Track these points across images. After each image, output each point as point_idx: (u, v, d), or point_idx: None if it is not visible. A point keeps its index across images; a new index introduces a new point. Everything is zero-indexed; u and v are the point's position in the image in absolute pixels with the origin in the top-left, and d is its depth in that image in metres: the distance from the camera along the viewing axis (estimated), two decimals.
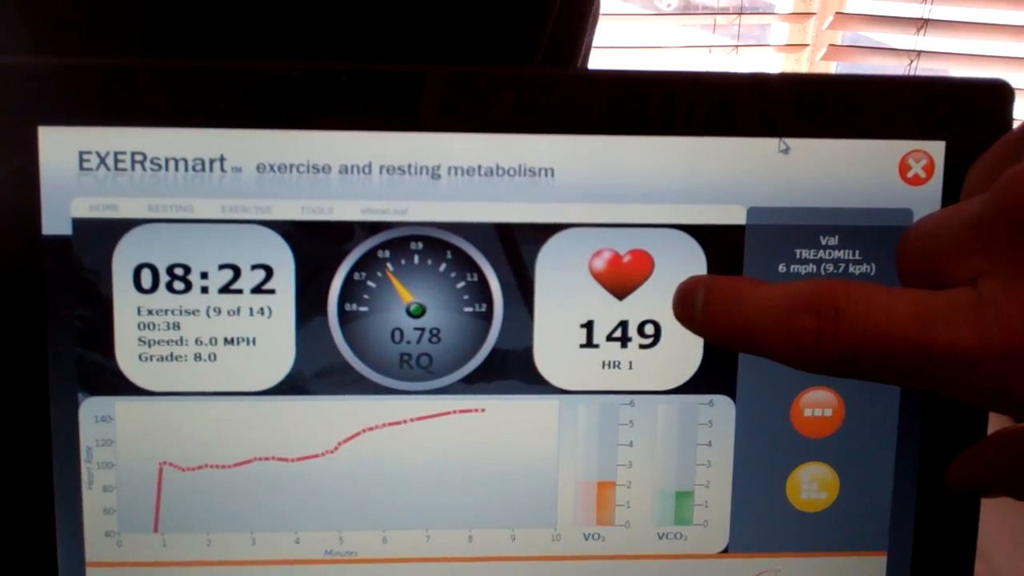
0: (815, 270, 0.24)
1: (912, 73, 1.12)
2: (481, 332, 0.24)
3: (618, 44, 1.11)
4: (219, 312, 0.23)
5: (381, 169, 0.23)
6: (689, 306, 0.17)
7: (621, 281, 0.24)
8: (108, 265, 0.23)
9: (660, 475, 0.25)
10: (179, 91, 0.22)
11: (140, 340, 0.23)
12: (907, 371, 0.15)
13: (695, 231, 0.24)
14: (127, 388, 0.23)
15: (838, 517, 0.25)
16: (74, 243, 0.23)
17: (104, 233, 0.23)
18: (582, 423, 0.25)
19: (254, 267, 0.23)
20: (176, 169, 0.23)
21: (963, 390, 0.15)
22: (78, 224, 0.23)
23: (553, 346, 0.24)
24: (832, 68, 1.16)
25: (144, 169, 0.23)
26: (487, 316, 0.24)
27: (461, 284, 0.24)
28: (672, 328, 0.24)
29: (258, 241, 0.23)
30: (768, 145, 0.24)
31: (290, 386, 0.24)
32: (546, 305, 0.24)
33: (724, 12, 1.11)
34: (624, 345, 0.24)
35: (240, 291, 0.23)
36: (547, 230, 0.24)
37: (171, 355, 0.23)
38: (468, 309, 0.24)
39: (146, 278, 0.23)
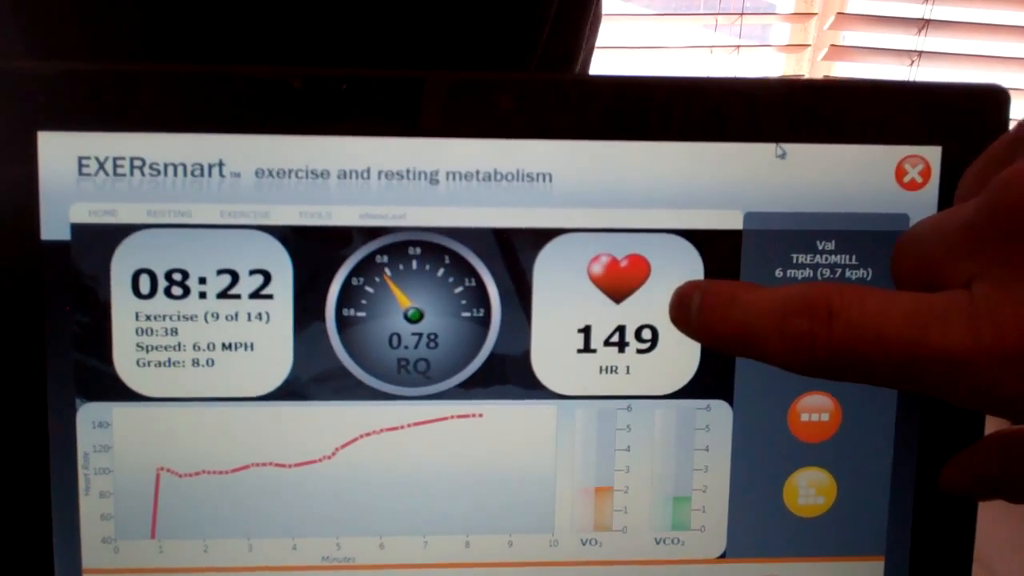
0: (812, 275, 0.24)
1: (913, 74, 1.12)
2: (479, 337, 0.24)
3: (618, 44, 1.11)
4: (217, 317, 0.23)
5: (379, 174, 0.23)
6: (685, 310, 0.18)
7: (618, 286, 0.24)
8: (107, 270, 0.23)
9: (658, 480, 0.25)
10: (178, 96, 0.22)
11: (138, 345, 0.23)
12: (901, 373, 0.15)
13: (692, 236, 0.24)
14: (125, 394, 0.23)
15: (835, 522, 0.25)
16: (73, 248, 0.23)
17: (103, 238, 0.23)
18: (580, 428, 0.25)
19: (252, 272, 0.23)
20: (175, 174, 0.23)
21: (956, 393, 0.15)
22: (77, 229, 0.23)
23: (551, 351, 0.24)
24: (833, 68, 1.16)
25: (143, 174, 0.23)
26: (485, 321, 0.24)
27: (459, 289, 0.24)
28: (669, 333, 0.24)
29: (256, 246, 0.23)
30: (765, 150, 0.24)
31: (288, 392, 0.24)
32: (544, 310, 0.24)
33: (725, 12, 1.11)
34: (622, 350, 0.24)
35: (238, 296, 0.23)
36: (545, 235, 0.24)
37: (169, 360, 0.23)
38: (466, 314, 0.24)
39: (144, 283, 0.23)
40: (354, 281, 0.24)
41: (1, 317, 0.23)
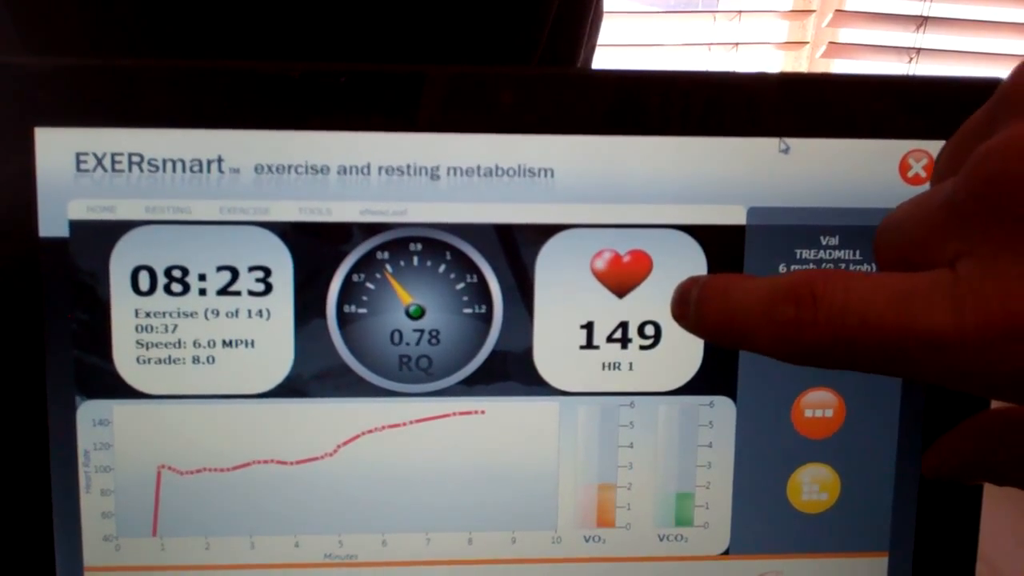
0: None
1: (912, 71, 1.12)
2: (481, 333, 0.24)
3: (618, 42, 1.11)
4: (217, 314, 0.23)
5: (380, 170, 0.23)
6: (684, 304, 0.17)
7: (621, 281, 0.24)
8: (105, 267, 0.23)
9: (661, 477, 0.25)
10: (176, 92, 0.22)
11: (138, 343, 0.23)
12: (888, 356, 0.15)
13: (695, 231, 0.24)
14: (125, 391, 0.23)
15: (839, 518, 0.25)
16: (71, 245, 0.23)
17: (101, 235, 0.23)
18: (582, 425, 0.25)
19: (252, 269, 0.23)
20: (174, 170, 0.23)
21: (945, 374, 0.15)
22: (75, 226, 0.23)
23: (553, 347, 0.24)
24: (832, 66, 1.16)
25: (141, 170, 0.22)
26: (487, 317, 0.24)
27: (460, 285, 0.24)
28: (672, 329, 0.24)
29: (256, 243, 0.23)
30: (768, 145, 0.24)
31: (289, 388, 0.24)
32: (546, 306, 0.24)
33: (724, 10, 1.10)
34: (624, 346, 0.24)
35: (238, 293, 0.23)
36: (547, 231, 0.24)
37: (169, 358, 0.23)
38: (468, 310, 0.24)
39: (144, 280, 0.23)
40: (355, 277, 0.23)
41: (0, 316, 0.23)
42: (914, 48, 1.11)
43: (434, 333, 0.24)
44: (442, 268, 0.24)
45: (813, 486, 0.25)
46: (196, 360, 0.23)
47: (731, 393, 0.25)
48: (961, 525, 0.25)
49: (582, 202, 0.23)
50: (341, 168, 0.23)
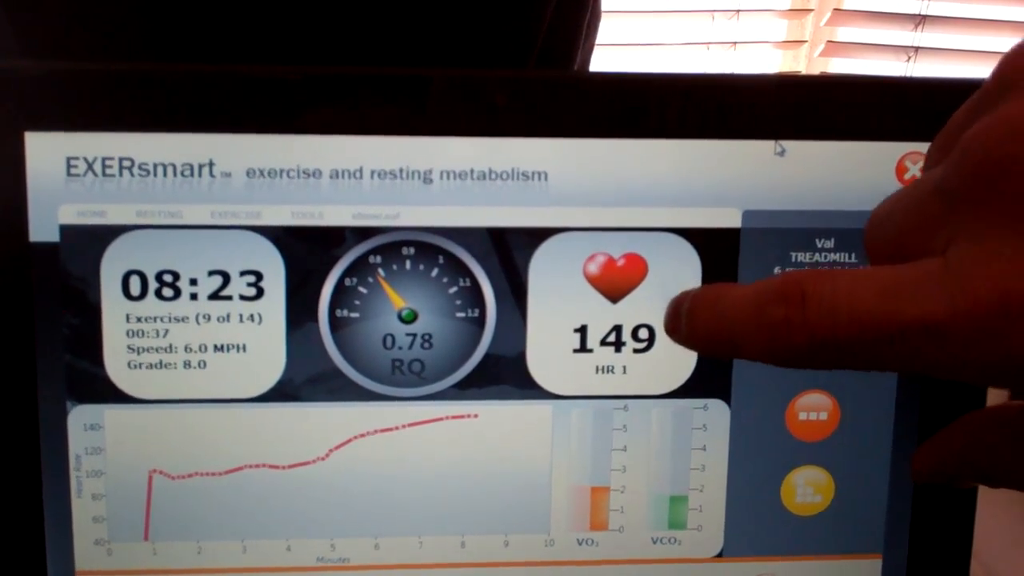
0: None
1: (910, 70, 1.11)
2: (474, 337, 0.24)
3: (616, 41, 1.11)
4: (209, 319, 0.23)
5: (372, 173, 0.23)
6: (676, 318, 0.17)
7: (615, 285, 0.24)
8: (96, 272, 0.23)
9: (654, 479, 0.25)
10: (167, 96, 0.22)
11: (129, 348, 0.23)
12: (882, 351, 0.15)
13: (690, 235, 0.24)
14: (116, 396, 0.23)
15: (833, 520, 0.25)
16: (62, 250, 0.22)
17: (92, 240, 0.23)
18: (576, 428, 0.24)
19: (244, 273, 0.23)
20: (165, 175, 0.22)
21: (938, 364, 0.14)
22: (66, 231, 0.22)
23: (546, 351, 0.24)
24: (830, 64, 1.16)
25: (132, 175, 0.22)
26: (480, 321, 0.24)
27: (453, 289, 0.24)
28: None
29: (248, 247, 0.23)
30: (764, 147, 0.23)
31: (281, 393, 0.24)
32: (539, 310, 0.24)
33: (723, 9, 1.10)
34: (618, 349, 0.24)
35: (230, 297, 0.23)
36: (540, 234, 0.23)
37: (160, 362, 0.23)
38: (460, 314, 0.24)
39: (135, 285, 0.23)
40: (347, 282, 0.23)
41: None
42: (912, 47, 1.11)
43: (427, 337, 0.24)
44: (435, 272, 0.23)
45: (807, 488, 0.25)
46: (187, 365, 0.23)
47: (725, 396, 0.25)
48: (955, 526, 0.25)
49: (576, 205, 0.23)
50: (333, 172, 0.23)
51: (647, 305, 0.24)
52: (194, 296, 0.23)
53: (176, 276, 0.23)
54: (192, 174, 0.22)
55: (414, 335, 0.24)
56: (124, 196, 0.22)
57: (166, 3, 0.30)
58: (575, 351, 0.24)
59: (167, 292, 0.23)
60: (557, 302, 0.24)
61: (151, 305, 0.23)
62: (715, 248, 0.24)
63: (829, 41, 1.13)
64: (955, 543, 0.25)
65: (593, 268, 0.24)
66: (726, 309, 0.16)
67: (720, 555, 0.25)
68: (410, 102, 0.23)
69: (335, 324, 0.23)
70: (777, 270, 0.24)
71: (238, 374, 0.23)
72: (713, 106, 0.23)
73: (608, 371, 0.24)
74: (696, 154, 0.23)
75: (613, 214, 0.24)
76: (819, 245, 0.24)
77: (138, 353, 0.23)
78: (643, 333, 0.24)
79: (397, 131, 0.23)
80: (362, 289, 0.23)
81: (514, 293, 0.24)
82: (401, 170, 0.23)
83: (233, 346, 0.23)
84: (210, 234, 0.23)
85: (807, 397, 0.25)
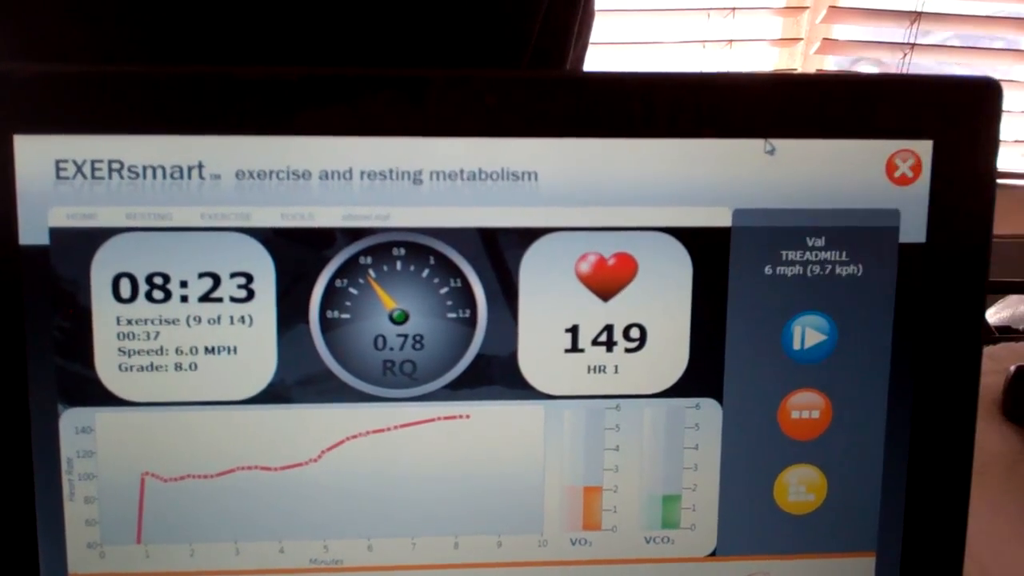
0: (801, 272, 0.24)
1: (906, 67, 1.11)
2: (465, 338, 0.24)
3: (612, 39, 1.11)
4: (199, 321, 0.23)
5: (362, 174, 0.23)
6: None
7: (606, 284, 0.24)
8: (86, 275, 0.23)
9: (647, 479, 0.25)
10: (156, 98, 0.22)
11: (120, 350, 0.23)
12: None
13: (680, 234, 0.24)
14: (107, 399, 0.23)
15: (826, 519, 0.25)
16: (52, 253, 0.22)
17: (82, 242, 0.22)
18: (568, 428, 0.24)
19: (234, 275, 0.23)
20: (154, 177, 0.22)
21: None
22: (55, 234, 0.22)
23: (538, 351, 0.24)
24: (826, 62, 1.16)
25: (121, 177, 0.22)
26: (471, 322, 0.24)
27: (444, 290, 0.24)
28: (658, 331, 0.24)
29: (238, 249, 0.23)
30: (753, 146, 0.23)
31: (272, 395, 0.24)
32: (530, 310, 0.24)
33: (718, 8, 1.10)
34: (610, 349, 0.24)
35: (220, 299, 0.23)
36: (531, 234, 0.23)
37: (151, 365, 0.23)
38: (452, 315, 0.24)
39: (125, 287, 0.23)
40: (338, 283, 0.23)
41: None
42: (908, 44, 1.11)
43: (418, 338, 0.24)
44: (425, 273, 0.23)
45: (800, 487, 0.25)
46: (178, 367, 0.23)
47: (717, 395, 0.25)
48: (949, 524, 0.25)
49: (566, 205, 0.23)
50: (323, 173, 0.23)
51: (638, 304, 0.24)
52: (184, 298, 0.23)
53: (166, 278, 0.23)
54: (181, 176, 0.22)
55: (405, 336, 0.24)
56: (114, 198, 0.22)
57: (156, 5, 0.30)
58: (567, 351, 0.24)
59: (157, 294, 0.23)
60: (548, 302, 0.24)
61: (141, 307, 0.23)
62: (706, 247, 0.24)
63: (825, 38, 1.13)
64: (948, 540, 0.25)
65: (584, 267, 0.24)
66: None
67: (713, 554, 0.25)
68: (400, 102, 0.23)
69: (326, 325, 0.23)
70: (768, 269, 0.24)
71: (229, 376, 0.23)
72: (703, 105, 0.23)
73: (600, 371, 0.24)
74: (686, 153, 0.23)
75: (603, 213, 0.24)
76: (810, 243, 0.24)
77: (129, 355, 0.23)
78: (634, 332, 0.24)
79: (387, 132, 0.23)
80: (353, 290, 0.23)
81: (505, 293, 0.24)
82: (391, 171, 0.23)
83: (224, 348, 0.23)
84: (200, 236, 0.23)
85: (799, 396, 0.25)
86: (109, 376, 0.23)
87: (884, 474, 0.25)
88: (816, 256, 0.24)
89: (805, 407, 0.25)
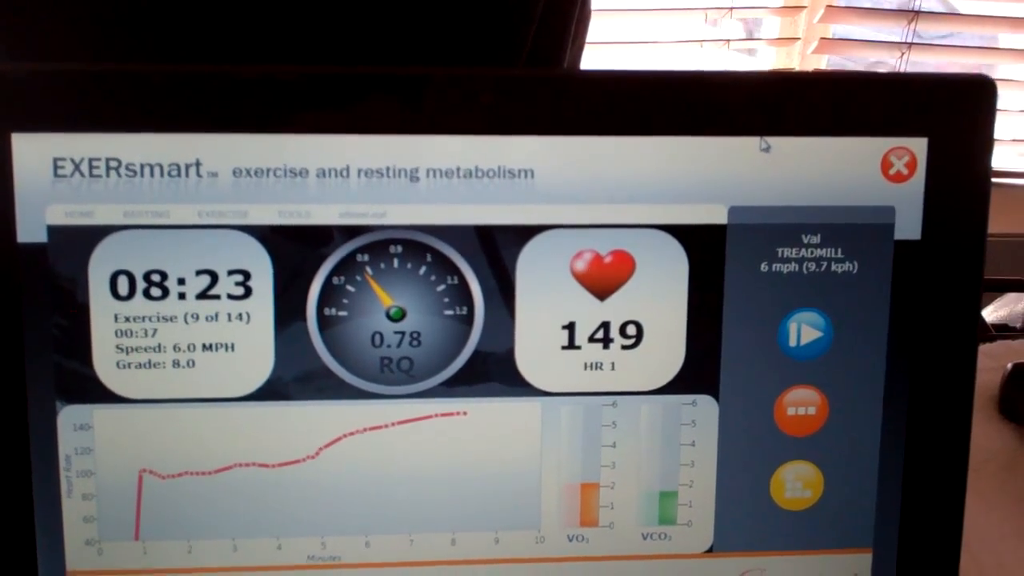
0: (797, 269, 0.24)
1: (903, 65, 1.12)
2: (462, 335, 0.24)
3: (609, 39, 1.11)
4: (197, 318, 0.23)
5: (359, 172, 0.23)
6: None
7: (602, 282, 0.24)
8: (84, 272, 0.23)
9: (644, 476, 0.25)
10: (153, 96, 0.22)
11: (118, 347, 0.23)
12: None
13: (676, 231, 0.24)
14: (105, 396, 0.23)
15: (823, 515, 0.25)
16: (49, 250, 0.23)
17: (80, 240, 0.23)
18: (565, 425, 0.25)
19: (231, 272, 0.23)
20: (151, 175, 0.22)
21: None
22: (53, 231, 0.22)
23: (535, 348, 0.24)
24: (823, 61, 1.16)
25: (119, 175, 0.22)
26: (468, 319, 0.24)
27: (441, 287, 0.24)
28: (654, 329, 0.24)
29: (235, 246, 0.23)
30: (749, 144, 0.24)
31: (270, 392, 0.24)
32: (527, 307, 0.24)
33: (716, 8, 1.10)
34: (606, 346, 0.24)
35: (218, 297, 0.23)
36: (527, 232, 0.24)
37: (149, 362, 0.23)
38: (449, 312, 0.24)
39: (123, 285, 0.23)
40: (335, 280, 0.23)
41: None
42: (906, 43, 1.11)
43: (415, 335, 0.24)
44: (422, 270, 0.24)
45: (796, 483, 0.25)
46: (176, 364, 0.23)
47: (713, 392, 0.25)
48: (945, 519, 0.25)
49: (563, 203, 0.23)
50: (320, 171, 0.23)
51: (635, 301, 0.24)
52: (182, 296, 0.23)
53: (164, 276, 0.23)
54: (179, 174, 0.23)
55: (402, 333, 0.24)
56: (111, 196, 0.22)
57: (154, 4, 0.30)
58: (563, 348, 0.24)
59: (155, 292, 0.23)
60: (545, 299, 0.24)
61: (139, 305, 0.23)
62: (702, 244, 0.24)
63: (822, 38, 1.13)
64: (945, 536, 0.26)
65: (580, 265, 0.24)
66: None
67: (710, 550, 0.25)
68: (397, 101, 0.23)
69: (323, 323, 0.23)
70: (764, 266, 0.24)
71: (227, 373, 0.23)
72: (698, 103, 0.23)
73: (596, 368, 0.24)
74: (682, 151, 0.23)
75: (600, 211, 0.24)
76: (805, 241, 0.24)
77: (127, 353, 0.23)
78: (631, 330, 0.24)
79: (384, 130, 0.23)
80: (350, 288, 0.23)
81: (502, 291, 0.24)
82: (388, 169, 0.23)
83: (221, 345, 0.23)
84: (197, 234, 0.23)
85: (795, 392, 0.25)
86: (107, 373, 0.23)
87: (880, 470, 0.25)
88: (812, 253, 0.24)
89: (801, 404, 0.25)
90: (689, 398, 0.25)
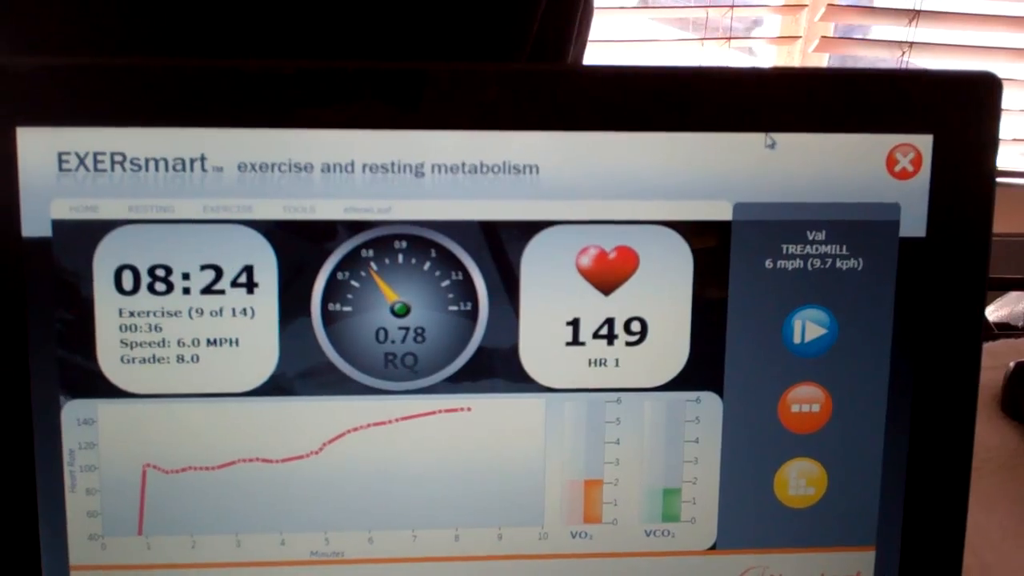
0: (802, 265, 0.24)
1: (904, 64, 1.12)
2: (466, 331, 0.24)
3: (610, 37, 1.11)
4: (201, 313, 0.23)
5: (364, 167, 0.23)
6: None
7: (607, 278, 0.24)
8: (89, 267, 0.23)
9: (647, 472, 0.25)
10: (159, 90, 0.22)
11: (122, 342, 0.23)
12: None
13: (681, 227, 0.24)
14: (109, 390, 0.23)
15: (826, 512, 0.25)
16: (54, 245, 0.22)
17: (84, 234, 0.23)
18: (569, 421, 0.25)
19: (236, 268, 0.23)
20: (156, 169, 0.22)
21: None
22: (58, 226, 0.22)
23: (539, 344, 0.24)
24: (824, 60, 1.16)
25: (124, 169, 0.22)
26: (472, 315, 0.24)
27: (446, 283, 0.24)
28: (658, 325, 0.24)
29: (240, 241, 0.23)
30: (754, 140, 0.24)
31: (274, 387, 0.24)
32: (532, 303, 0.24)
33: (716, 5, 1.10)
34: (610, 342, 0.24)
35: (222, 292, 0.23)
36: (532, 227, 0.23)
37: (153, 357, 0.23)
38: (453, 308, 0.24)
39: (127, 279, 0.23)
40: (339, 275, 0.23)
41: None
42: (907, 42, 1.11)
43: (419, 331, 0.24)
44: (427, 265, 0.24)
45: (800, 481, 0.25)
46: (180, 359, 0.23)
47: (718, 389, 0.25)
48: (948, 517, 0.25)
49: (567, 199, 0.23)
50: (325, 166, 0.23)
51: (639, 298, 0.24)
52: (187, 290, 0.23)
53: (168, 270, 0.23)
54: (184, 168, 0.22)
55: (407, 329, 0.24)
56: (116, 191, 0.22)
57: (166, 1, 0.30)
58: (567, 344, 0.24)
59: (160, 286, 0.23)
60: (549, 295, 0.24)
61: (144, 299, 0.23)
62: (706, 241, 0.24)
63: (823, 36, 1.13)
64: (948, 534, 0.26)
65: (585, 261, 0.24)
66: None
67: (713, 547, 0.25)
68: (402, 96, 0.23)
69: (328, 318, 0.23)
70: (768, 263, 0.24)
71: (231, 368, 0.23)
72: (703, 99, 0.23)
73: (601, 364, 0.24)
74: (687, 147, 0.23)
75: (604, 207, 0.24)
76: (810, 237, 0.24)
77: (131, 347, 0.23)
78: (635, 326, 0.24)
79: (389, 125, 0.23)
80: (354, 283, 0.23)
81: (506, 286, 0.24)
82: (393, 164, 0.23)
83: (226, 340, 0.23)
84: (202, 228, 0.23)
85: (799, 389, 0.25)
86: (111, 368, 0.23)
87: (884, 468, 0.25)
88: (816, 250, 0.24)
89: (805, 401, 0.25)
90: (693, 395, 0.25)
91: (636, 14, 1.12)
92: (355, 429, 0.24)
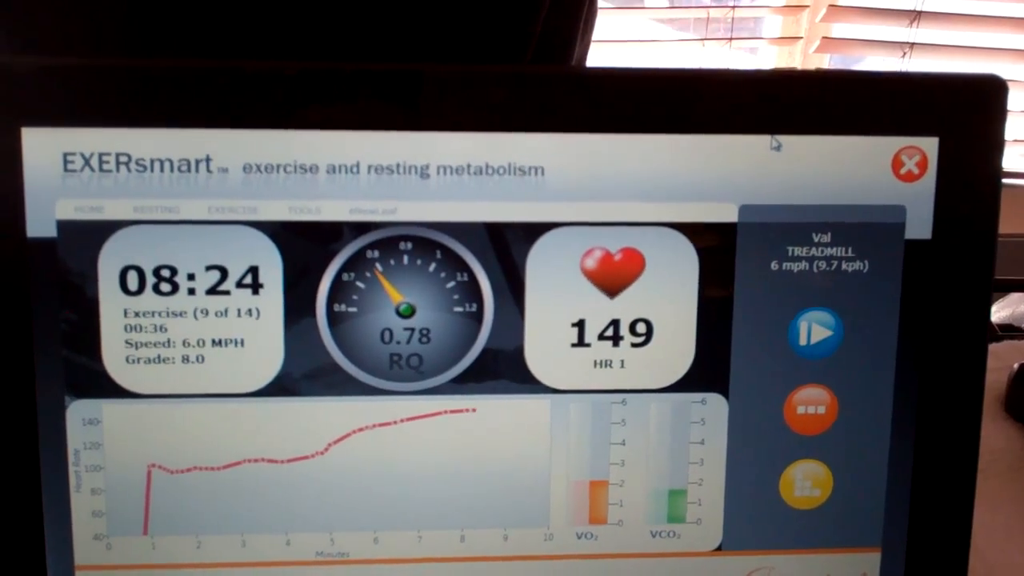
0: (808, 267, 0.24)
1: (905, 65, 1.12)
2: (472, 332, 0.24)
3: (612, 38, 1.11)
4: (206, 314, 0.23)
5: (369, 169, 0.23)
6: None
7: (612, 280, 0.24)
8: (94, 267, 0.23)
9: (653, 473, 0.25)
10: (164, 91, 0.22)
11: (127, 342, 0.23)
12: None
13: (687, 229, 0.24)
14: (114, 390, 0.23)
15: (832, 514, 0.25)
16: (59, 245, 0.22)
17: (89, 235, 0.22)
18: (574, 422, 0.24)
19: (241, 268, 0.23)
20: (162, 170, 0.22)
21: None
22: (63, 226, 0.22)
23: (544, 345, 0.24)
24: (825, 61, 1.16)
25: (129, 170, 0.22)
26: (478, 316, 0.24)
27: (451, 284, 0.24)
28: (664, 326, 0.24)
29: (245, 242, 0.23)
30: (760, 142, 0.24)
31: (279, 387, 0.24)
32: (537, 304, 0.24)
33: (717, 5, 1.10)
34: (616, 344, 0.24)
35: (227, 292, 0.23)
36: (537, 229, 0.23)
37: (158, 357, 0.23)
38: (458, 309, 0.24)
39: (132, 280, 0.23)
40: (345, 276, 0.23)
41: None
42: (908, 43, 1.11)
43: (425, 332, 0.24)
44: (432, 267, 0.23)
45: (806, 482, 0.25)
46: (186, 359, 0.23)
47: (723, 390, 0.25)
48: (954, 519, 0.25)
49: (573, 200, 0.23)
50: (330, 167, 0.23)
51: (645, 300, 0.24)
52: (192, 291, 0.23)
53: (174, 271, 0.23)
54: (189, 169, 0.22)
55: (412, 330, 0.24)
56: (121, 191, 0.22)
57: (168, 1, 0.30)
58: (573, 345, 0.24)
59: (165, 287, 0.23)
60: (555, 296, 0.24)
61: (149, 300, 0.23)
62: (712, 243, 0.24)
63: (824, 37, 1.13)
64: (953, 536, 0.25)
65: (590, 263, 0.24)
66: None
67: (719, 549, 0.25)
68: (407, 97, 0.23)
69: (333, 319, 0.23)
70: (774, 265, 0.24)
71: (236, 369, 0.23)
72: (709, 101, 0.23)
73: (606, 365, 0.24)
74: (692, 149, 0.23)
75: (610, 209, 0.24)
76: (816, 240, 0.24)
77: (136, 348, 0.23)
78: (641, 327, 0.24)
79: (394, 126, 0.23)
80: (360, 284, 0.23)
81: (512, 288, 0.24)
82: (398, 165, 0.23)
83: (231, 341, 0.23)
84: (207, 229, 0.23)
85: (805, 391, 0.25)
86: (116, 368, 0.23)
87: (889, 469, 0.25)
88: (822, 252, 0.24)
89: (811, 403, 0.25)
90: (699, 396, 0.25)
91: (636, 14, 1.12)
92: (360, 430, 0.24)
